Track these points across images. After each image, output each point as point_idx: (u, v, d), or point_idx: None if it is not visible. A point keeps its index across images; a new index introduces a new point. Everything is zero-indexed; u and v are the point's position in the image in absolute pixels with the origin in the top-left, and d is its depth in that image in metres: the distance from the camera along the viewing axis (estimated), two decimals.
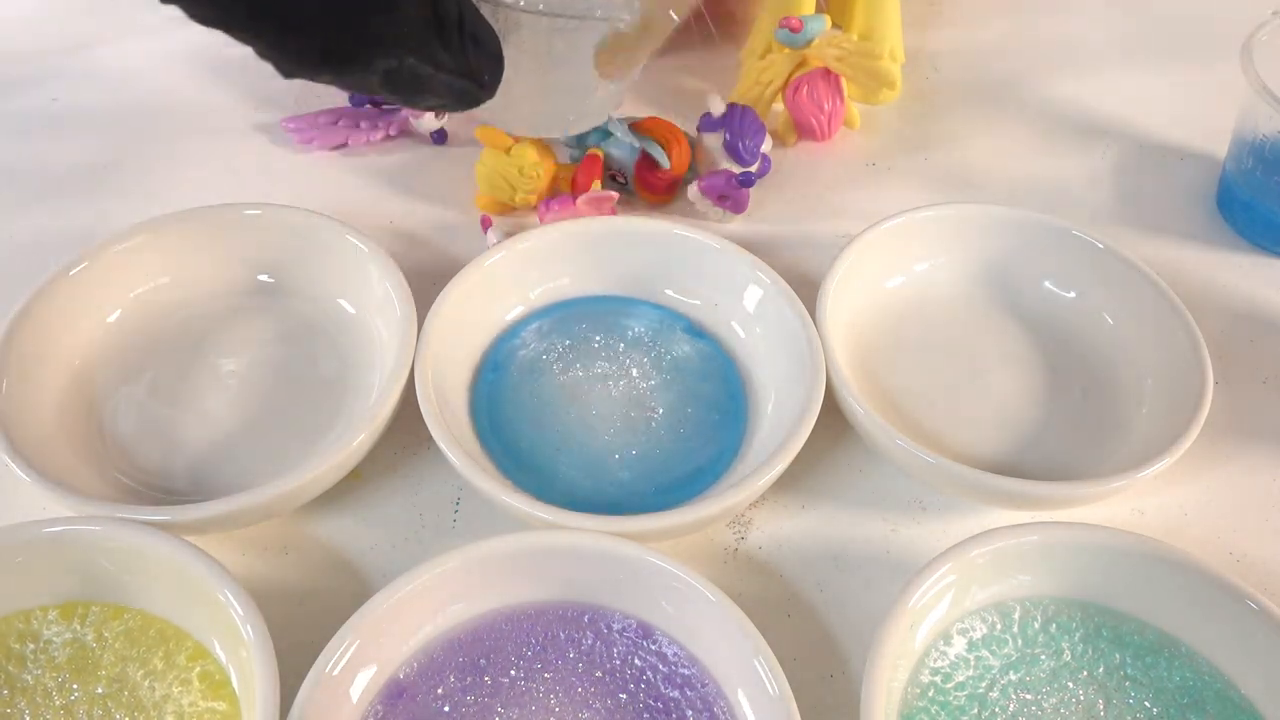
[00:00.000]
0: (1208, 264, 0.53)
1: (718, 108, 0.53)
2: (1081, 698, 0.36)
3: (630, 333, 0.47)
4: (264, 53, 0.32)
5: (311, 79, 0.33)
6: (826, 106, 0.56)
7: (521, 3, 0.38)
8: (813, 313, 0.44)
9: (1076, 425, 0.44)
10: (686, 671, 0.36)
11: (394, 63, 0.34)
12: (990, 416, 0.45)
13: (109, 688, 0.36)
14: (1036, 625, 0.38)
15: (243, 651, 0.34)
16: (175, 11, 0.31)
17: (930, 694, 0.36)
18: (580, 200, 0.49)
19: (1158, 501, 0.43)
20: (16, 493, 0.41)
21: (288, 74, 0.33)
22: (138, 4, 0.64)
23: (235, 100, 0.60)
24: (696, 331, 0.47)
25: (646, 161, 0.52)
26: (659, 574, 0.36)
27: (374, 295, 0.45)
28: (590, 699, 0.36)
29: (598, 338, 0.46)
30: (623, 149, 0.52)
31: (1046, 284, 0.49)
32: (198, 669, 0.36)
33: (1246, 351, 0.49)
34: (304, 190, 0.54)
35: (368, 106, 0.57)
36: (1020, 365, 0.46)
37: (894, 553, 0.41)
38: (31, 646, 0.36)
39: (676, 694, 0.36)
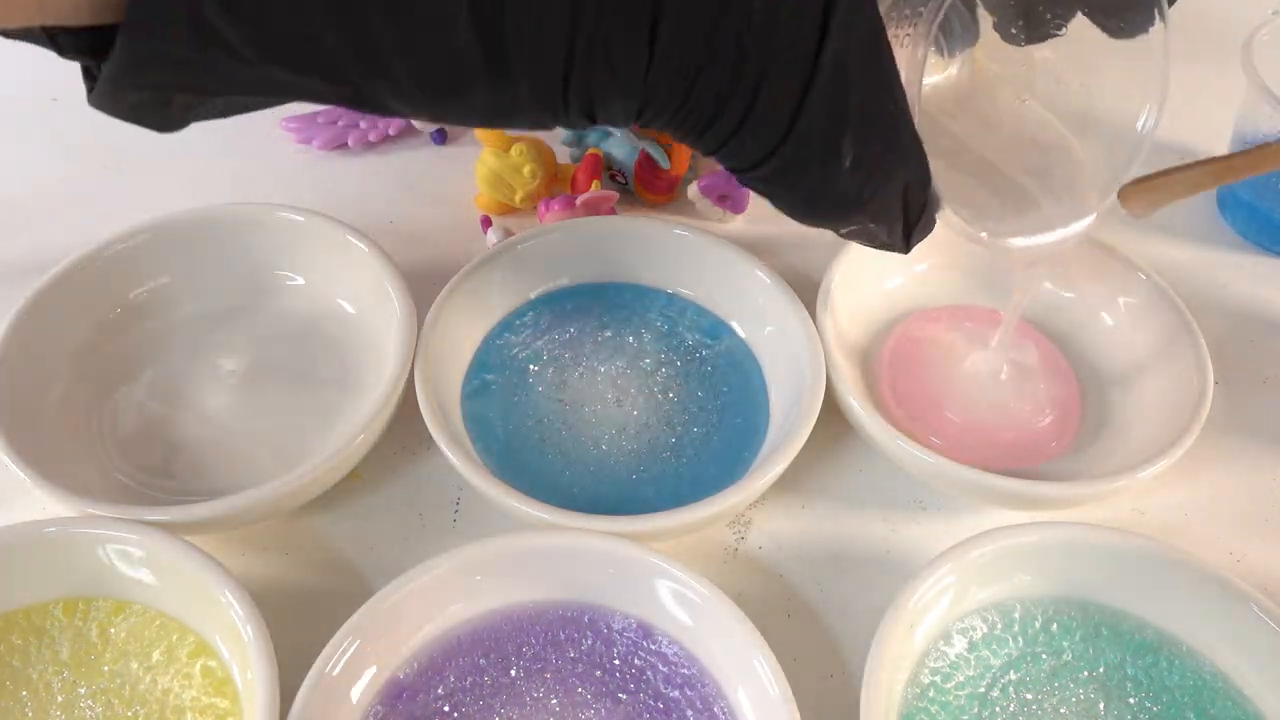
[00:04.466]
0: (1208, 264, 0.53)
1: None
2: (1082, 697, 0.36)
3: (634, 330, 0.47)
4: (762, 194, 0.33)
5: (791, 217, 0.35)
6: None
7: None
8: (813, 313, 0.44)
9: (1077, 425, 0.44)
10: (686, 671, 0.36)
11: (858, 228, 0.35)
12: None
13: (111, 682, 0.36)
14: (1037, 625, 0.38)
15: (243, 650, 0.34)
16: None
17: (930, 694, 0.36)
18: (580, 200, 0.49)
19: (1158, 501, 0.43)
20: (16, 493, 0.41)
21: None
22: None
23: None
24: (713, 330, 0.47)
25: (646, 161, 0.52)
26: (659, 574, 0.36)
27: (374, 295, 0.45)
28: (590, 699, 0.36)
29: (599, 335, 0.46)
30: (623, 149, 0.52)
31: (1046, 284, 0.49)
32: (199, 665, 0.36)
33: (1246, 351, 0.49)
34: (304, 190, 0.54)
35: None
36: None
37: (894, 553, 0.41)
38: (34, 641, 0.36)
39: (676, 694, 0.36)
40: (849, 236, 0.36)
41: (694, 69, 0.27)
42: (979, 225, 0.38)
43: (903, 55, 0.34)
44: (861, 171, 0.31)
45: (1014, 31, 0.39)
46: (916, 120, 0.33)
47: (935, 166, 0.34)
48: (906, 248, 0.36)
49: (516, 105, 0.28)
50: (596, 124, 0.30)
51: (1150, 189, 0.38)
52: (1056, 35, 0.39)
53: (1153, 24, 0.37)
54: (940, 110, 0.40)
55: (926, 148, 0.33)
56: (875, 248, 0.36)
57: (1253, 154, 0.36)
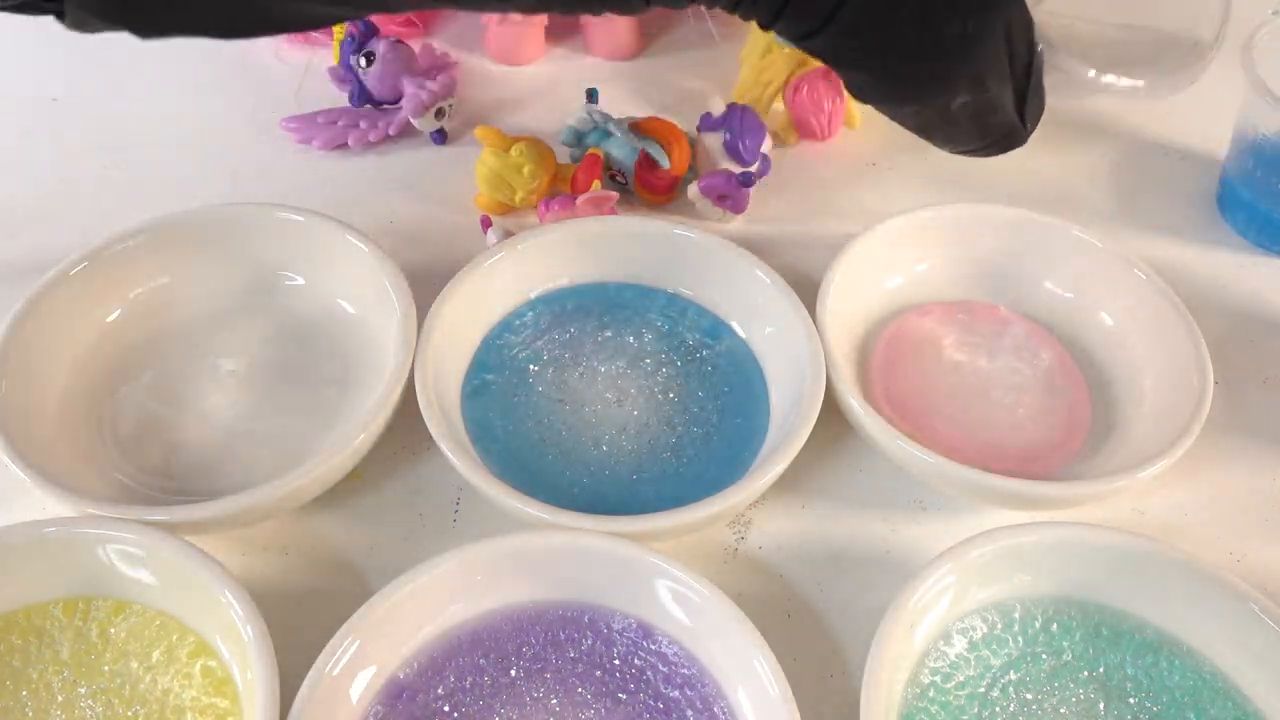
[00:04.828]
0: (1208, 264, 0.53)
1: (718, 108, 0.53)
2: (1082, 697, 0.36)
3: (634, 330, 0.47)
4: (857, 80, 0.31)
5: (894, 105, 0.33)
6: (826, 106, 0.56)
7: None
8: (813, 313, 0.44)
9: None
10: (686, 671, 0.36)
11: (969, 98, 0.33)
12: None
13: (111, 682, 0.36)
14: (1037, 625, 0.38)
15: (243, 650, 0.34)
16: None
17: (930, 694, 0.36)
18: (580, 200, 0.49)
19: (1158, 501, 0.43)
20: (16, 493, 0.41)
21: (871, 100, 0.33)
22: None
23: (235, 100, 0.60)
24: (713, 330, 0.47)
25: (646, 161, 0.52)
26: (659, 574, 0.36)
27: (374, 295, 0.45)
28: (590, 699, 0.36)
29: (599, 335, 0.46)
30: (623, 149, 0.52)
31: (1046, 284, 0.49)
32: (199, 665, 0.36)
33: (1246, 351, 0.49)
34: (304, 190, 0.54)
35: (368, 107, 0.57)
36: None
37: (894, 553, 0.41)
38: (35, 641, 0.36)
39: (676, 694, 0.36)
40: (956, 127, 0.34)
41: None
42: (1091, 66, 0.36)
43: None
44: (959, 13, 0.29)
45: None
46: None
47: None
48: (1025, 128, 0.34)
49: None
50: (649, 5, 0.28)
51: None
52: None
53: None
54: None
55: None
56: (991, 146, 0.35)
57: None
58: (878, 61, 0.31)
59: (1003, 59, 0.33)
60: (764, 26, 0.29)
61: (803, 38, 0.29)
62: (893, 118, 0.36)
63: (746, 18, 0.29)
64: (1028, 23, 0.33)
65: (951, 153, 0.38)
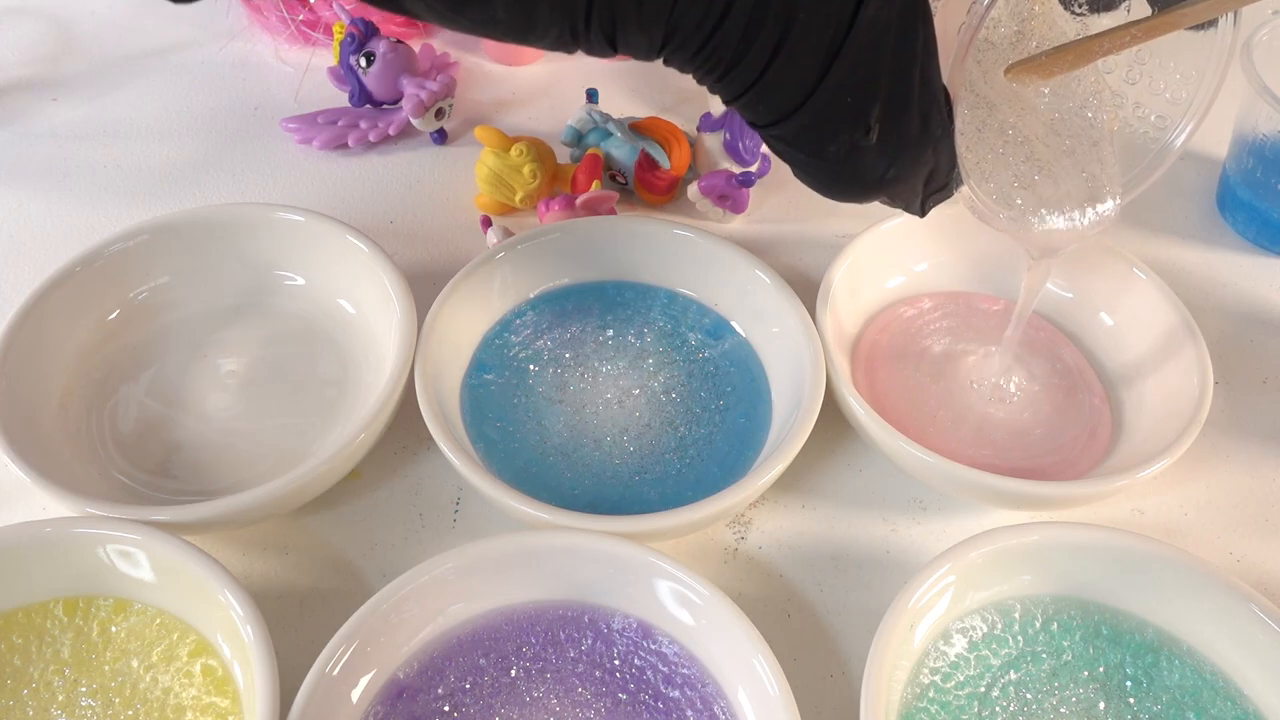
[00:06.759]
0: (1208, 264, 0.53)
1: (718, 108, 0.53)
2: (1082, 697, 0.36)
3: (636, 329, 0.47)
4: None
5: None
6: None
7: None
8: (813, 313, 0.44)
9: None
10: (686, 671, 0.36)
11: (878, 201, 0.34)
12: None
13: (111, 681, 0.36)
14: (1037, 624, 0.38)
15: (243, 650, 0.34)
16: (176, 16, 0.30)
17: (930, 694, 0.36)
18: (580, 200, 0.49)
19: (1158, 501, 0.43)
20: (16, 493, 0.41)
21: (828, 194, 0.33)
22: (139, 6, 0.65)
23: (235, 100, 0.60)
24: (715, 330, 0.47)
25: (646, 161, 0.52)
26: (659, 574, 0.36)
27: (374, 295, 0.45)
28: (590, 699, 0.36)
29: (600, 335, 0.46)
30: (623, 149, 0.52)
31: (1046, 284, 0.49)
32: (200, 664, 0.36)
33: (1246, 351, 0.49)
34: (304, 190, 0.54)
35: (368, 107, 0.57)
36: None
37: (894, 553, 0.41)
38: (35, 641, 0.36)
39: (676, 694, 0.36)
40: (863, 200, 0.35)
41: (722, 5, 0.27)
42: (1001, 204, 0.37)
43: (944, 19, 0.32)
44: (888, 148, 0.30)
45: (1077, 9, 0.38)
46: (954, 90, 0.31)
47: (960, 129, 0.33)
48: (922, 212, 0.35)
49: (536, 19, 0.27)
50: (618, 52, 0.28)
51: (1038, 65, 0.37)
52: (1115, 9, 0.38)
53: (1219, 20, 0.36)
54: (977, 69, 0.39)
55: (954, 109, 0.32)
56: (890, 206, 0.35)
57: (1132, 26, 0.36)
58: (803, 169, 0.32)
59: (918, 187, 0.33)
60: (724, 101, 0.30)
61: (751, 122, 0.31)
62: None
63: (712, 91, 0.30)
64: (952, 161, 0.33)
65: None
